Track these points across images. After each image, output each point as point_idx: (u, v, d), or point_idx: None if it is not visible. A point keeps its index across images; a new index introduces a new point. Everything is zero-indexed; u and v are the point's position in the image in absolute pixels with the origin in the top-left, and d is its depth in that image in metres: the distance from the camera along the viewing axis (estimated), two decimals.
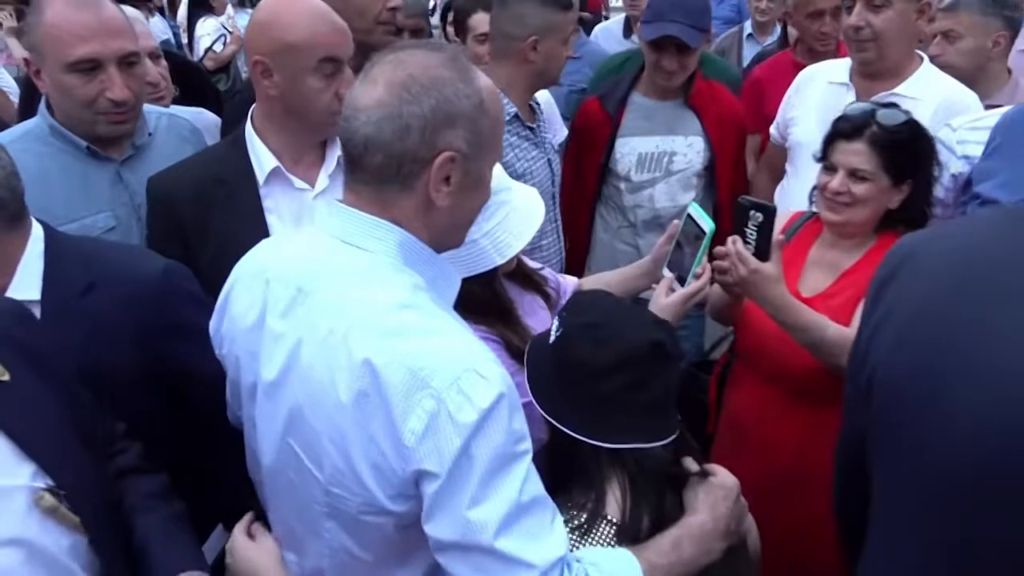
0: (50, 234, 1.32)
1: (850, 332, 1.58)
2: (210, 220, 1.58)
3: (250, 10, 6.68)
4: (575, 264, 2.49)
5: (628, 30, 4.06)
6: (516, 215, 1.33)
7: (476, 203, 1.08)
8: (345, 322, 0.96)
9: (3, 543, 0.93)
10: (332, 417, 0.96)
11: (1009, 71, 2.41)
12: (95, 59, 1.59)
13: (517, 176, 2.08)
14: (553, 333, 1.18)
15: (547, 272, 1.67)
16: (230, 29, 5.51)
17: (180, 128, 1.94)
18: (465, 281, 1.21)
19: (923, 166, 1.70)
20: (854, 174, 1.65)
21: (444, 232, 1.06)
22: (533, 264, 1.68)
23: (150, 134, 1.82)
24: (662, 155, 2.35)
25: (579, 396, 1.13)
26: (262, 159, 1.63)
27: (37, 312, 1.26)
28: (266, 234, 1.58)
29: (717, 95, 2.43)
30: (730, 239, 1.60)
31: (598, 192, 2.44)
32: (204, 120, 2.24)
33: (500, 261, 1.31)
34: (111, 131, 1.68)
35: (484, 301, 1.35)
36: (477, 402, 0.90)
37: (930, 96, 2.09)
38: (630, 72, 2.45)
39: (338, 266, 1.01)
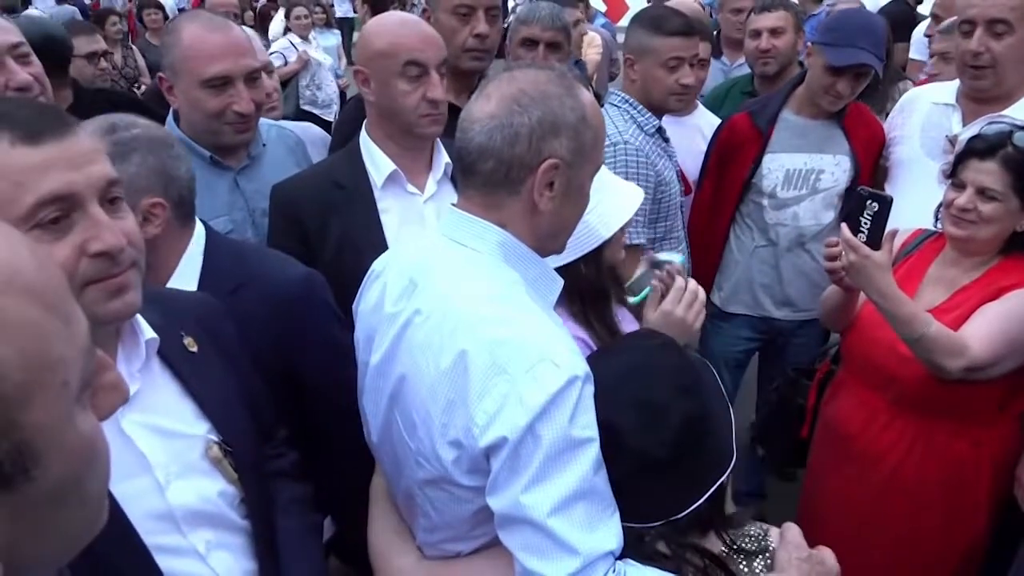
0: (210, 233, 1.44)
1: (955, 334, 1.59)
2: (330, 222, 1.69)
3: (336, 31, 6.94)
4: (702, 283, 2.46)
5: (718, 50, 3.96)
6: (614, 193, 1.39)
7: (575, 211, 1.14)
8: (446, 308, 1.05)
9: (180, 478, 1.06)
10: (423, 392, 1.05)
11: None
12: (227, 76, 1.71)
13: (665, 184, 2.16)
14: None
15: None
16: (298, 48, 5.65)
17: (287, 139, 2.07)
18: (575, 264, 1.30)
19: None
20: (983, 192, 1.65)
21: (546, 236, 1.13)
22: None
23: (264, 145, 1.94)
24: (810, 172, 2.35)
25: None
26: (380, 164, 1.72)
27: None
28: (382, 235, 1.68)
29: (866, 117, 2.42)
30: (842, 226, 1.63)
31: (735, 210, 2.43)
32: (311, 134, 2.36)
33: (606, 234, 1.36)
34: (235, 140, 1.79)
35: (591, 282, 1.38)
36: (547, 387, 0.95)
37: None
38: (782, 90, 2.45)
39: (448, 261, 1.11)
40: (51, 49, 2.09)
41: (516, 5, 7.73)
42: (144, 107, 3.15)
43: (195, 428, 1.10)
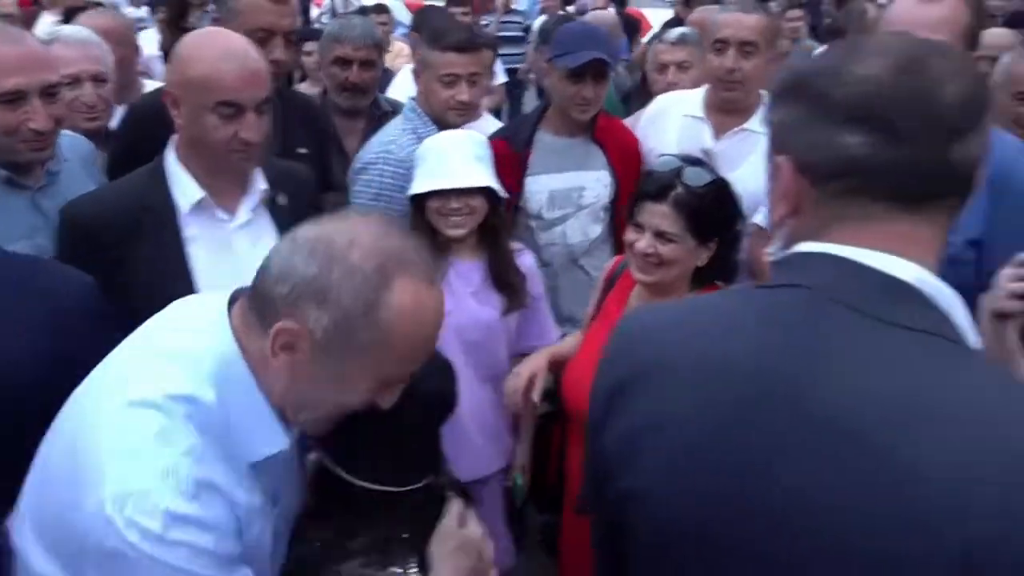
0: None
1: None
2: (131, 250, 1.60)
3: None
4: None
5: None
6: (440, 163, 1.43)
7: (326, 395, 0.98)
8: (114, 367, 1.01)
9: None
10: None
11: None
12: (20, 91, 1.62)
13: None
14: None
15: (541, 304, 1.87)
16: None
17: (79, 148, 1.96)
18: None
19: (729, 224, 1.71)
20: (661, 235, 1.64)
21: (279, 393, 0.97)
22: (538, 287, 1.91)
23: (66, 160, 1.83)
24: (572, 190, 2.38)
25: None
26: (187, 189, 1.65)
27: None
28: (186, 265, 1.62)
29: (618, 130, 2.49)
30: None
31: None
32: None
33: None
34: (31, 157, 1.70)
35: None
36: (143, 525, 0.86)
37: None
38: (534, 112, 2.53)
39: (180, 322, 1.04)
40: None
41: (321, 14, 7.62)
42: None
43: None
